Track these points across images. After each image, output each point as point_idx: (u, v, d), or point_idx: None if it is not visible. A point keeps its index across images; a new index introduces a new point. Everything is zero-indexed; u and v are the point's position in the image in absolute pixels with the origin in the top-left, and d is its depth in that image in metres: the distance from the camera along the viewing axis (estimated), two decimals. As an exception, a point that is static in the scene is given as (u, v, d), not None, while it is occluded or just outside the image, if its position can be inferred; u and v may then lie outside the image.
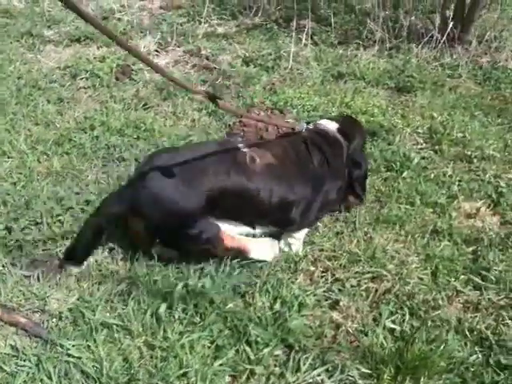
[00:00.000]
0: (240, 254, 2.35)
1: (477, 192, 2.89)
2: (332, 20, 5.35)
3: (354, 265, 2.41)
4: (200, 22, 5.71)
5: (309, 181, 2.41)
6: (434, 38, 4.83)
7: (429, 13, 5.35)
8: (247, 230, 2.39)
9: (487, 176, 2.99)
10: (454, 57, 4.70)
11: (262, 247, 2.40)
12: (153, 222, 2.20)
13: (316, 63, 4.67)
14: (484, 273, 2.34)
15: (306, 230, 2.53)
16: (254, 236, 2.44)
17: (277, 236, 2.50)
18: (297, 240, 2.49)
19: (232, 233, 2.32)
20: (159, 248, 2.33)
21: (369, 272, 2.36)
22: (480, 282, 2.31)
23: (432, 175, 3.00)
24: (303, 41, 5.06)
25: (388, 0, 5.36)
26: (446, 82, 4.28)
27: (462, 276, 2.34)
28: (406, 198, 2.83)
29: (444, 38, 4.78)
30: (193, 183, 2.17)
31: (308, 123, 2.79)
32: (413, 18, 5.25)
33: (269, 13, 5.89)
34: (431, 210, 2.78)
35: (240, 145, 2.40)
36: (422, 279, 2.33)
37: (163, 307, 2.14)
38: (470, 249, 2.51)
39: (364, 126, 3.10)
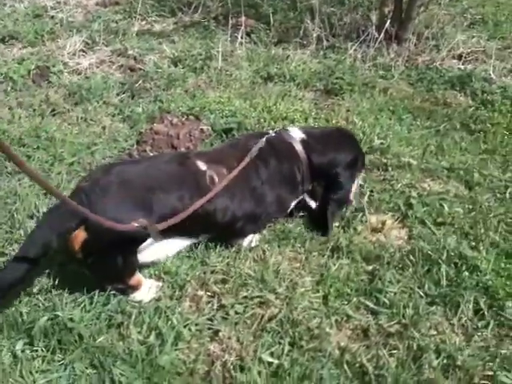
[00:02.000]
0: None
1: (387, 203, 2.75)
2: (271, 18, 5.17)
3: (243, 289, 2.24)
4: (137, 19, 5.50)
5: (253, 196, 2.36)
6: (372, 36, 4.69)
7: (368, 10, 5.20)
8: (193, 241, 2.37)
9: (399, 186, 2.84)
10: (391, 56, 4.56)
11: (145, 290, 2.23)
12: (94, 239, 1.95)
13: (247, 64, 4.49)
14: (378, 295, 2.19)
15: (250, 237, 2.48)
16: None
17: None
18: (250, 241, 2.49)
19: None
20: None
21: (257, 296, 2.20)
22: (372, 305, 2.16)
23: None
24: (238, 39, 4.87)
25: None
26: (377, 83, 4.13)
27: (355, 299, 2.19)
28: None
29: (381, 36, 4.65)
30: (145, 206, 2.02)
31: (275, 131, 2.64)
32: (353, 15, 5.11)
33: (209, 10, 5.69)
34: (336, 224, 2.62)
35: (198, 161, 2.25)
36: (312, 303, 2.18)
37: (20, 344, 1.95)
38: (370, 267, 2.37)
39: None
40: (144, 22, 5.54)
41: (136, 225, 1.90)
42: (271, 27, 5.17)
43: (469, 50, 4.77)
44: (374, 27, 4.74)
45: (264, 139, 2.45)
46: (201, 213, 2.13)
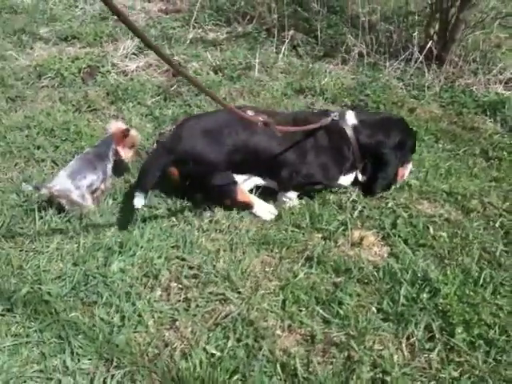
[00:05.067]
0: (246, 207, 2.84)
1: (374, 220, 2.78)
2: (319, 32, 5.29)
3: (210, 285, 2.39)
4: (194, 27, 5.81)
5: (296, 152, 2.83)
6: (413, 55, 4.68)
7: (413, 29, 5.16)
8: (258, 180, 2.93)
9: (391, 204, 2.87)
10: (430, 77, 4.52)
11: (263, 207, 2.87)
12: (184, 171, 2.76)
13: (284, 76, 4.63)
14: (334, 306, 2.26)
15: (292, 194, 2.93)
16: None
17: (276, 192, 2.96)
18: (289, 198, 2.92)
19: (244, 189, 2.88)
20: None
21: (221, 294, 2.34)
22: (326, 315, 2.23)
23: (334, 199, 2.91)
24: (282, 51, 5.02)
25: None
26: (407, 102, 4.12)
27: (312, 307, 2.27)
28: (298, 220, 2.77)
29: (422, 56, 4.63)
30: (217, 142, 2.74)
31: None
32: (397, 33, 5.10)
33: (264, 21, 5.88)
34: (320, 235, 2.70)
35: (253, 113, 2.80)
36: (270, 306, 2.28)
37: (0, 308, 2.22)
38: (338, 279, 2.43)
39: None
40: (200, 30, 5.81)
41: (261, 119, 2.48)
42: (319, 41, 5.29)
43: (514, 76, 4.62)
44: (416, 46, 4.72)
45: (329, 119, 2.87)
46: (271, 152, 2.81)
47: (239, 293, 2.34)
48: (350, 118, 2.97)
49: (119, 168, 3.08)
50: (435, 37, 4.78)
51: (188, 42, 5.34)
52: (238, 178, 2.85)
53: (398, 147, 2.96)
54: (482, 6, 4.92)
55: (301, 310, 2.27)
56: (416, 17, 5.39)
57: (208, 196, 2.84)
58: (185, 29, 5.75)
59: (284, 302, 2.30)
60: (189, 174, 2.78)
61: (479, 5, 4.64)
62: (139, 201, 2.61)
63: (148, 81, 4.40)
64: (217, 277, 2.42)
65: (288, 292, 2.33)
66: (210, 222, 2.78)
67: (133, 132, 3.04)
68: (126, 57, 4.94)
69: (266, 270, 2.49)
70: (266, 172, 2.89)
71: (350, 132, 2.92)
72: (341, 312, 2.23)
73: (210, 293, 2.36)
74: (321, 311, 2.24)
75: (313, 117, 2.93)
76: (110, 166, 2.91)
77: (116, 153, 2.96)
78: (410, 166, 3.10)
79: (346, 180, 3.01)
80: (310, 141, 2.84)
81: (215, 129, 2.77)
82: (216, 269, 2.47)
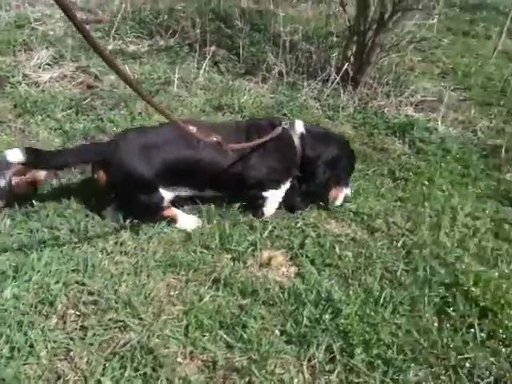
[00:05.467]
0: (172, 221, 2.83)
1: (284, 240, 2.79)
2: (241, 49, 5.32)
3: (110, 311, 2.28)
4: (114, 39, 5.68)
5: (244, 160, 2.84)
6: (331, 76, 4.80)
7: (330, 49, 5.32)
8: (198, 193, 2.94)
9: (300, 224, 2.89)
10: (345, 98, 4.65)
11: (186, 219, 2.87)
12: (113, 180, 2.67)
13: (203, 92, 4.60)
14: (238, 330, 2.22)
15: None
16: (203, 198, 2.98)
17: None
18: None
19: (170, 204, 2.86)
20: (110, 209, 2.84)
21: (120, 321, 2.24)
22: (229, 339, 2.19)
23: (245, 219, 2.90)
24: (203, 67, 5.00)
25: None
26: (322, 122, 4.21)
27: (215, 331, 2.22)
28: (208, 241, 2.72)
29: (338, 77, 4.75)
30: (150, 157, 2.66)
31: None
32: (317, 54, 5.22)
33: (187, 35, 5.84)
34: (229, 256, 2.67)
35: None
36: (173, 332, 2.21)
37: None
38: (244, 301, 2.40)
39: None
40: (121, 42, 5.70)
41: (214, 139, 2.50)
42: (240, 58, 5.32)
43: (424, 99, 4.86)
44: (333, 68, 4.85)
45: (280, 128, 2.90)
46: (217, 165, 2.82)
47: (140, 319, 2.25)
48: (299, 127, 2.99)
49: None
50: (352, 59, 4.94)
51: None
52: (171, 193, 2.83)
53: (330, 164, 2.97)
54: (397, 30, 5.14)
55: (204, 335, 2.22)
56: (335, 38, 5.56)
57: (132, 210, 2.80)
58: (105, 40, 5.60)
59: (187, 327, 2.24)
60: (116, 185, 2.70)
61: (395, 29, 4.84)
62: (15, 153, 2.44)
63: (60, 93, 4.23)
64: (117, 303, 2.32)
65: (192, 317, 2.27)
66: (116, 243, 2.68)
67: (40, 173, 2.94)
68: (40, 67, 4.74)
69: (171, 293, 2.42)
70: (211, 184, 2.89)
71: (296, 140, 2.95)
72: (244, 336, 2.20)
73: (110, 320, 2.25)
74: (224, 336, 2.20)
75: (264, 126, 2.96)
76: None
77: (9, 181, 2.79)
78: (346, 191, 3.08)
79: (283, 188, 3.01)
80: (258, 150, 2.87)
81: (156, 144, 2.70)
82: (117, 294, 2.37)
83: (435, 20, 6.37)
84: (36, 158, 2.51)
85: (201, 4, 6.27)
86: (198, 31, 5.58)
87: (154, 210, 2.79)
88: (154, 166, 2.67)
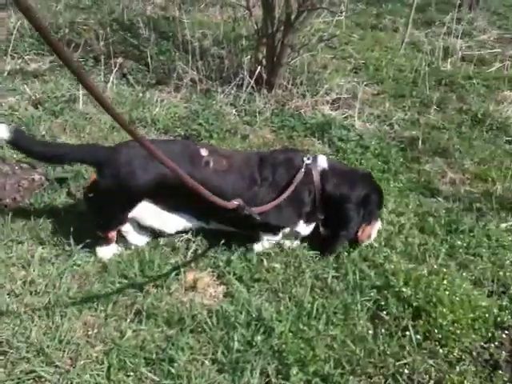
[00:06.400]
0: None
1: (209, 259, 2.65)
2: (149, 59, 5.11)
3: (21, 362, 2.05)
4: (13, 58, 5.29)
5: (244, 190, 2.60)
6: (245, 81, 4.70)
7: (242, 53, 5.23)
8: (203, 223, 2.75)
9: (225, 240, 2.76)
10: (261, 102, 4.57)
11: (134, 236, 2.72)
12: (103, 182, 2.49)
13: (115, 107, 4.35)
14: (165, 365, 2.05)
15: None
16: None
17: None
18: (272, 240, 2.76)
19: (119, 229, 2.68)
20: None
21: (33, 371, 2.01)
22: (155, 377, 2.02)
23: (166, 241, 2.73)
24: (111, 80, 4.75)
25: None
26: (239, 129, 4.10)
27: (140, 370, 2.04)
28: (126, 270, 2.52)
29: (252, 81, 4.67)
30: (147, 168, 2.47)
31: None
32: (229, 58, 5.11)
33: (91, 48, 5.55)
34: (152, 283, 2.49)
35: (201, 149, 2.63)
36: (94, 377, 2.01)
37: None
38: (170, 331, 2.23)
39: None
40: (20, 61, 5.33)
41: (236, 203, 2.21)
42: (150, 68, 5.11)
43: (339, 96, 4.87)
44: (246, 72, 4.76)
45: (303, 171, 2.65)
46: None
47: (56, 367, 2.04)
48: (322, 162, 2.75)
49: None
50: (264, 61, 4.87)
51: (6, 74, 4.84)
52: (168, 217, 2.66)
53: (363, 203, 2.72)
54: (306, 30, 5.13)
55: (128, 375, 2.03)
56: (245, 42, 5.48)
57: (95, 214, 2.65)
58: (2, 60, 5.22)
59: (109, 369, 2.04)
60: (103, 187, 2.50)
61: (303, 28, 4.82)
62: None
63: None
64: (29, 351, 2.08)
65: (113, 357, 2.08)
66: (24, 283, 2.43)
67: None
68: None
69: (89, 333, 2.21)
70: (215, 214, 2.65)
71: (315, 176, 2.69)
72: (172, 370, 2.04)
73: (21, 372, 2.02)
74: (150, 374, 2.02)
75: (281, 160, 2.73)
76: None
77: None
78: (378, 225, 2.85)
79: (305, 229, 2.78)
80: (264, 177, 2.67)
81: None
82: (29, 341, 2.13)
83: (343, 16, 6.48)
84: (23, 141, 2.52)
85: (103, 15, 6.00)
86: (102, 43, 5.33)
87: (110, 222, 2.63)
88: (149, 178, 2.48)
